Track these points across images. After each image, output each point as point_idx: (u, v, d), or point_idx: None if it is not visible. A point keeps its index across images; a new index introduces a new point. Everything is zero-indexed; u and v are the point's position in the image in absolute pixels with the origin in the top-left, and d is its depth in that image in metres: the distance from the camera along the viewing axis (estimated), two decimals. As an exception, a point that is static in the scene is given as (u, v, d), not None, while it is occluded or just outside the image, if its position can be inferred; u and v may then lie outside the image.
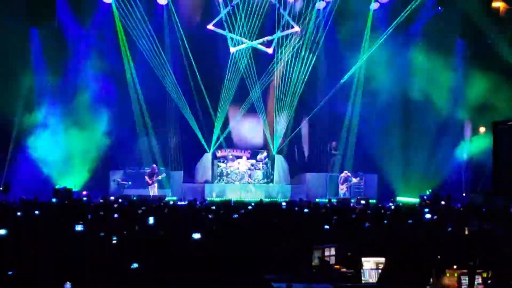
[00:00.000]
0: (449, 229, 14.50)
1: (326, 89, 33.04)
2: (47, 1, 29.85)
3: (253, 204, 22.19)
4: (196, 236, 11.73)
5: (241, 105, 33.06)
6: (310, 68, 32.81)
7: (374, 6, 32.50)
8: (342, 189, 30.73)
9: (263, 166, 32.05)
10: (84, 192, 28.03)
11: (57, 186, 27.99)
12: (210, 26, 31.83)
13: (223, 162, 32.01)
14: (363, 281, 9.88)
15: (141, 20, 31.62)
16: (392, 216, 18.11)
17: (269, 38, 32.16)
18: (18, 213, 16.41)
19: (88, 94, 30.89)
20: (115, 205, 20.46)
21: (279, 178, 32.16)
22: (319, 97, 33.23)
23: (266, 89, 33.31)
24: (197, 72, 32.12)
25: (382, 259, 9.85)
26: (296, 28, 32.26)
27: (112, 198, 24.89)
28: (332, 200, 25.84)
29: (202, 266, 9.72)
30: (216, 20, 31.90)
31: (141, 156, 31.61)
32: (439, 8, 31.65)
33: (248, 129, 34.08)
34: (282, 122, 33.07)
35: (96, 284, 9.21)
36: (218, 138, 32.65)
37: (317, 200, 27.69)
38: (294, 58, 32.84)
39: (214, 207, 19.85)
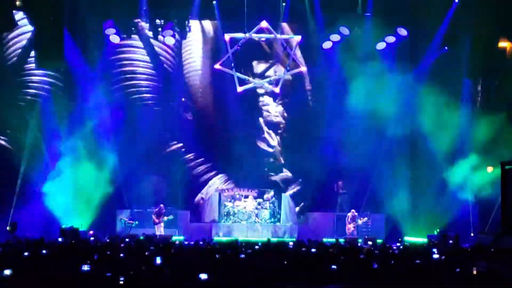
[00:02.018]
0: (457, 269, 14.40)
1: (332, 127, 33.14)
2: (56, 42, 29.97)
3: (259, 244, 22.08)
4: (203, 276, 11.68)
5: (249, 142, 33.34)
6: (317, 106, 33.14)
7: (381, 46, 32.65)
8: (350, 228, 30.56)
9: (270, 206, 31.99)
10: (91, 232, 27.97)
11: (63, 226, 27.97)
12: (217, 66, 32.02)
13: (230, 201, 31.96)
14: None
15: (149, 58, 31.90)
16: (400, 256, 18.00)
17: (275, 77, 32.31)
18: (25, 253, 16.36)
19: (95, 133, 31.01)
20: (122, 245, 20.42)
21: (286, 217, 32.06)
22: (325, 135, 33.30)
23: (273, 126, 33.60)
24: (204, 110, 32.41)
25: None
26: (303, 68, 32.41)
27: (119, 237, 24.85)
28: (340, 240, 25.71)
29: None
30: (223, 59, 32.08)
31: (148, 196, 31.59)
32: (446, 48, 31.76)
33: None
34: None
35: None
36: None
37: (324, 239, 27.58)
38: (302, 96, 33.21)
39: (221, 247, 19.77)
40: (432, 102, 31.47)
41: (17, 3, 29.34)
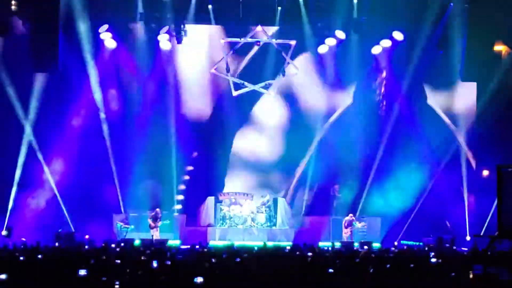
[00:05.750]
0: (453, 274, 14.39)
1: (328, 131, 33.20)
2: (51, 46, 29.85)
3: (256, 248, 22.06)
4: (199, 280, 11.67)
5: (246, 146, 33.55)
6: (313, 109, 33.26)
7: (376, 50, 32.70)
8: (346, 232, 30.48)
9: (266, 210, 31.93)
10: (87, 236, 27.91)
11: (59, 230, 27.91)
12: (212, 70, 31.98)
13: (226, 205, 31.90)
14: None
15: (145, 63, 31.89)
16: (396, 260, 18.00)
17: (271, 81, 32.28)
18: (21, 258, 16.33)
19: (92, 136, 31.02)
20: (118, 249, 20.39)
21: (282, 221, 32.02)
22: (321, 138, 33.36)
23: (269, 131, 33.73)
24: (199, 114, 32.56)
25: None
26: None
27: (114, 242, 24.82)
28: (336, 244, 25.70)
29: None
30: (218, 63, 32.05)
31: (144, 199, 31.53)
32: (440, 51, 31.81)
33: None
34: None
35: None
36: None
37: (320, 244, 27.56)
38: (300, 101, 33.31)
39: (216, 251, 19.75)
40: (427, 104, 31.54)
41: (13, 7, 29.27)
